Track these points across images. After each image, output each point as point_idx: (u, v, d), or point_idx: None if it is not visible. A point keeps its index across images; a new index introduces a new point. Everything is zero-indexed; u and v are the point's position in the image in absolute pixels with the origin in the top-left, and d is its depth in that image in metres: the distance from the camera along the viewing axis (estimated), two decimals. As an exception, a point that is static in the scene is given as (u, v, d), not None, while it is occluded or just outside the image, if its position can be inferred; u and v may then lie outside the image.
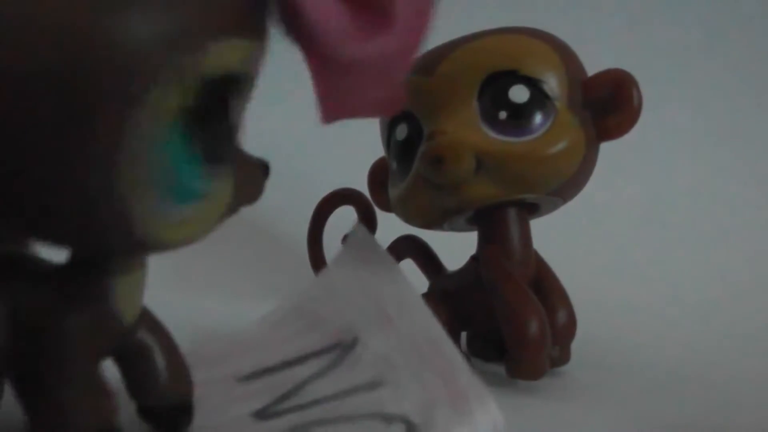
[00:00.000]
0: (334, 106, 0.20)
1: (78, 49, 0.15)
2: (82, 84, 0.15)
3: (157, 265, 0.23)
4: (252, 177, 0.21)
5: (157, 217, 0.17)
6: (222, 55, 0.17)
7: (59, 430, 0.19)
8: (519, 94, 0.30)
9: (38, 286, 0.20)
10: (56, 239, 0.18)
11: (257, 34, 0.18)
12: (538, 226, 0.34)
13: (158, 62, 0.16)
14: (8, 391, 0.21)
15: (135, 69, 0.15)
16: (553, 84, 0.30)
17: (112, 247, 0.19)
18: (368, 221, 0.39)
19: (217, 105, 0.18)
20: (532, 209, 0.33)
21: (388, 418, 0.22)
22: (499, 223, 0.32)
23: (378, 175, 0.38)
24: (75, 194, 0.16)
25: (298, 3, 0.17)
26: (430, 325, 0.25)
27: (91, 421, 0.19)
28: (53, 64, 0.15)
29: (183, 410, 0.23)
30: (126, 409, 0.22)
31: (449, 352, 0.24)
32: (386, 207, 0.37)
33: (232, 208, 0.20)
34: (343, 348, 0.26)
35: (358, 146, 0.44)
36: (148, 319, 0.22)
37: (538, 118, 0.30)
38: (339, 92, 0.20)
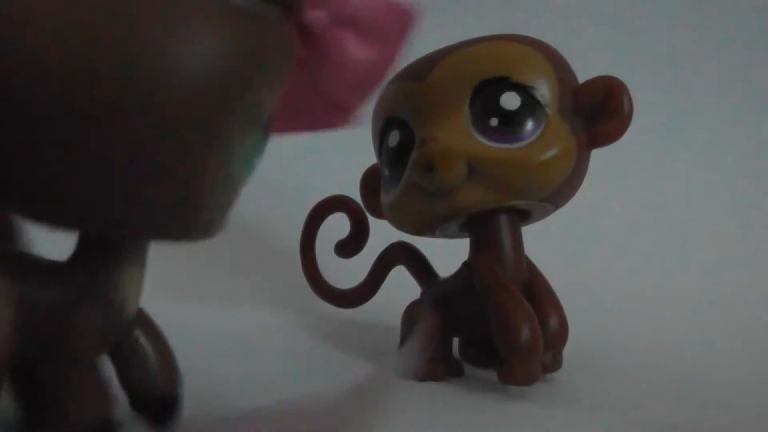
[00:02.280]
0: (285, 118, 0.23)
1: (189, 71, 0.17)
2: (189, 99, 0.17)
3: (151, 270, 0.23)
4: None
5: (219, 208, 0.20)
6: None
7: (63, 424, 0.20)
8: (510, 100, 0.30)
9: (46, 283, 0.20)
10: (139, 228, 0.19)
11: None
12: (529, 232, 0.34)
13: (257, 80, 0.19)
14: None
15: (241, 82, 0.18)
16: (544, 91, 0.30)
17: (183, 233, 0.20)
18: (360, 228, 0.39)
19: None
20: (524, 215, 0.33)
21: None
22: (490, 229, 0.32)
23: (370, 181, 0.38)
24: (175, 189, 0.18)
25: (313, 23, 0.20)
26: None
27: (93, 414, 0.20)
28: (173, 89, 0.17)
29: (171, 403, 0.24)
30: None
31: None
32: (378, 214, 0.37)
33: None
34: None
35: (350, 153, 0.44)
36: (141, 317, 0.24)
37: (529, 124, 0.30)
38: (296, 102, 0.22)
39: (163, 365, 0.24)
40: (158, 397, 0.24)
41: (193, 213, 0.19)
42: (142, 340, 0.23)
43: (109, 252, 0.21)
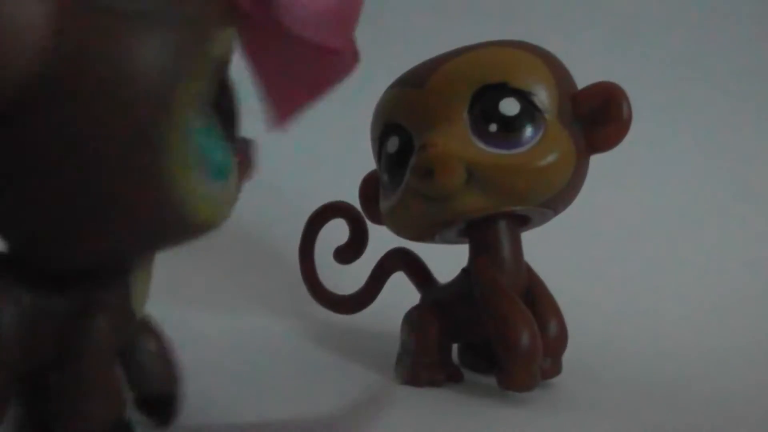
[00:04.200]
0: (287, 97, 0.22)
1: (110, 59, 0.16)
2: (122, 90, 0.17)
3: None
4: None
5: (198, 196, 0.19)
6: (222, 42, 0.19)
7: (79, 425, 0.20)
8: (509, 106, 0.30)
9: (56, 292, 0.20)
10: (116, 233, 0.19)
11: (236, 22, 0.20)
12: (529, 237, 0.34)
13: (179, 54, 0.17)
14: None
15: (162, 65, 0.17)
16: (543, 97, 0.30)
17: (164, 233, 0.20)
18: (359, 234, 0.39)
19: (222, 89, 0.20)
20: (523, 221, 0.33)
21: None
22: (489, 235, 0.32)
23: (369, 187, 0.38)
24: (130, 186, 0.17)
25: None
26: None
27: (108, 414, 0.21)
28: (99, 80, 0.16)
29: (171, 401, 0.25)
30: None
31: None
32: (377, 220, 0.37)
33: (239, 187, 0.22)
34: None
35: (349, 159, 0.44)
36: (146, 321, 0.24)
37: (528, 130, 0.30)
38: (288, 75, 0.21)
39: (163, 365, 0.24)
40: (159, 396, 0.24)
41: (176, 208, 0.19)
42: (144, 340, 0.24)
43: (117, 263, 0.22)
